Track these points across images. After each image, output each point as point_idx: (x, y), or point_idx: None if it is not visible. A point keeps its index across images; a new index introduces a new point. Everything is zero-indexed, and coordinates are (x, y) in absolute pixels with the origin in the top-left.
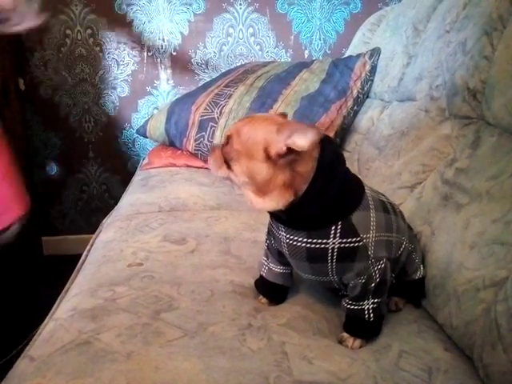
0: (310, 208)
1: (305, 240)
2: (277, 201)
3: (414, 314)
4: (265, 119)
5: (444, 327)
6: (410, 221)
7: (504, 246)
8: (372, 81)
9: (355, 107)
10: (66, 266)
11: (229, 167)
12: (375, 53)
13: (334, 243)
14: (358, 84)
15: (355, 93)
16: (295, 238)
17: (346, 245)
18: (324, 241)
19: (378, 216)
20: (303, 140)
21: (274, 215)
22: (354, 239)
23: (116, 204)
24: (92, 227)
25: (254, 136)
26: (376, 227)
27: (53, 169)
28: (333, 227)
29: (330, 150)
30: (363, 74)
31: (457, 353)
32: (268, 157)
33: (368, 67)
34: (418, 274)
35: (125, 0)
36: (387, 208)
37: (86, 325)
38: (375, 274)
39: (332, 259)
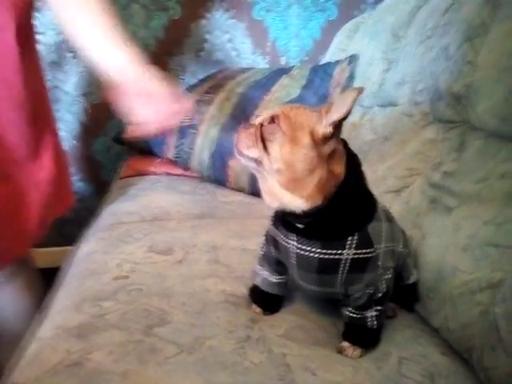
0: (336, 214)
1: (318, 251)
2: (306, 199)
3: (408, 319)
4: (311, 108)
5: (440, 331)
6: None
7: (498, 248)
8: (350, 87)
9: None
10: None
11: (264, 148)
12: (354, 59)
13: (348, 254)
14: (338, 90)
15: None
16: (308, 249)
17: (360, 256)
18: (339, 252)
19: (386, 226)
20: (343, 103)
21: (286, 223)
22: (369, 250)
23: (90, 214)
24: (64, 239)
25: (301, 120)
26: (386, 238)
27: None
28: (349, 238)
29: (356, 157)
30: (342, 80)
31: (454, 357)
32: (314, 143)
33: (347, 73)
34: (412, 279)
35: None
36: (389, 217)
37: (74, 343)
38: (382, 285)
39: (343, 270)
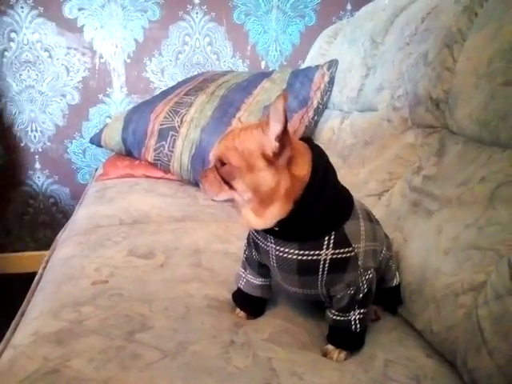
0: (308, 214)
1: (296, 252)
2: (278, 213)
3: (392, 322)
4: (247, 128)
5: (423, 333)
6: None
7: (480, 251)
8: (330, 92)
9: (315, 117)
10: (11, 285)
11: (230, 187)
12: (333, 64)
13: (326, 254)
14: (318, 94)
15: (315, 103)
16: (286, 250)
17: (339, 255)
18: (317, 252)
19: (366, 225)
20: (277, 114)
21: None
22: (347, 249)
23: (65, 218)
24: (39, 244)
25: (248, 145)
26: (365, 237)
27: None
28: (326, 237)
29: (322, 156)
30: (322, 85)
31: (439, 359)
32: (268, 161)
33: (327, 78)
34: (395, 282)
35: (76, 4)
36: (370, 217)
37: (51, 350)
38: (363, 285)
39: (323, 271)
